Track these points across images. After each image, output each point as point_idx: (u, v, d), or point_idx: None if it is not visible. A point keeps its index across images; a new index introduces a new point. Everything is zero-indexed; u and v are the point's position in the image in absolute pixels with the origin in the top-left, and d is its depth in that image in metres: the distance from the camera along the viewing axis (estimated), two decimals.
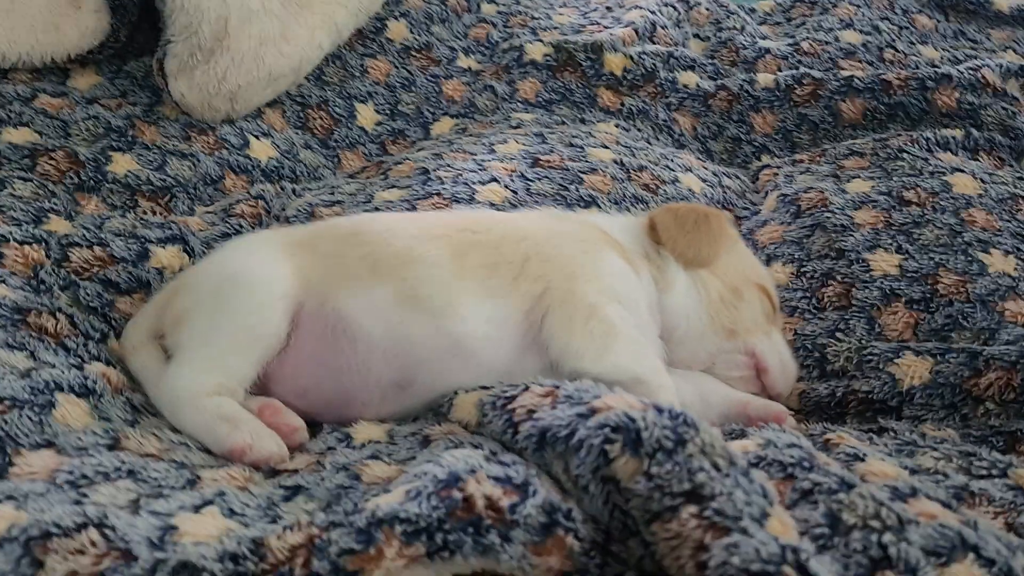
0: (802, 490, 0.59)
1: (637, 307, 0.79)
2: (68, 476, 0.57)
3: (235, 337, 0.72)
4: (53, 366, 0.68)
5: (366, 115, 1.28)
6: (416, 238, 0.78)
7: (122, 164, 1.00)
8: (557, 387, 0.65)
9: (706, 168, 1.19)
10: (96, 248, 0.86)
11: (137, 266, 0.87)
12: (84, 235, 0.87)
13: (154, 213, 0.98)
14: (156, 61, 1.06)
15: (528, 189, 1.03)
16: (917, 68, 1.32)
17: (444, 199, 0.99)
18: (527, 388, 0.67)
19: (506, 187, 1.02)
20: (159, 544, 0.52)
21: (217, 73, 1.06)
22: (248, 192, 1.05)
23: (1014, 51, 1.40)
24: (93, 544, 0.51)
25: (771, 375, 0.82)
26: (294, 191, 1.11)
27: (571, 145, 1.15)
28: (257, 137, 1.14)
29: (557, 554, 0.53)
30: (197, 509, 0.56)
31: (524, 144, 1.15)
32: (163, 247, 0.90)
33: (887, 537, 0.52)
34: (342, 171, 1.23)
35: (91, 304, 0.82)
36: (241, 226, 0.97)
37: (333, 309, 0.73)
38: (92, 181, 0.96)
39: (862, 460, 0.68)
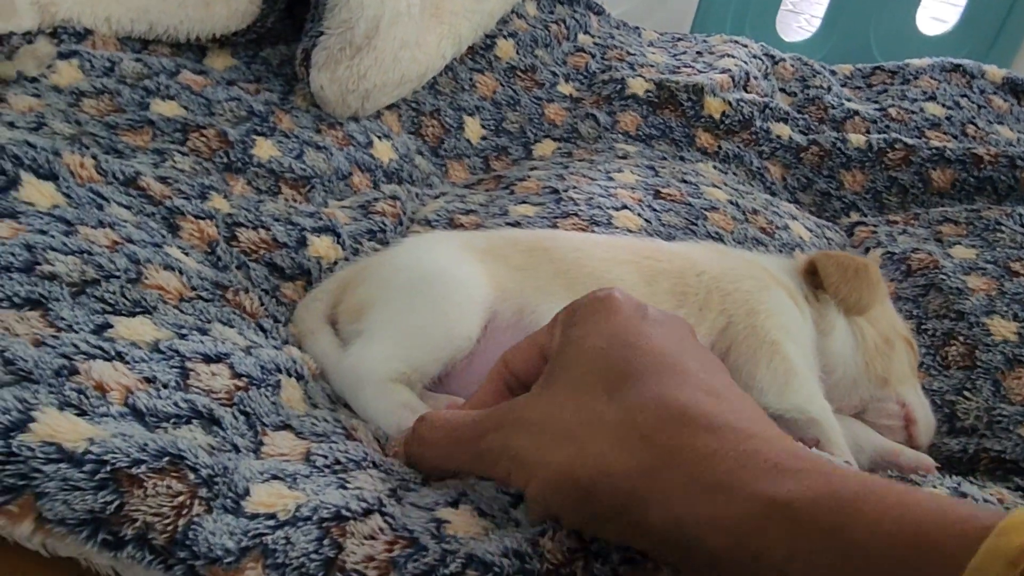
0: None
1: (804, 347, 0.81)
2: (325, 460, 0.57)
3: (428, 333, 0.72)
4: (261, 346, 0.67)
5: (473, 128, 1.29)
6: (606, 261, 0.79)
7: (265, 149, 0.98)
8: None
9: (808, 218, 1.23)
10: (261, 231, 0.85)
11: (298, 253, 0.86)
12: (246, 216, 0.86)
13: (296, 201, 0.97)
14: (302, 51, 1.05)
15: (660, 220, 1.04)
16: (1000, 145, 1.37)
17: (583, 220, 1.00)
18: None
19: (639, 215, 1.04)
20: (439, 535, 0.51)
21: (359, 71, 1.06)
22: (382, 191, 1.05)
23: None
24: (381, 530, 0.50)
25: (919, 427, 0.85)
26: (417, 195, 1.11)
27: (685, 181, 1.18)
28: (379, 138, 1.14)
29: None
30: (453, 505, 0.56)
31: (639, 175, 1.17)
32: (318, 236, 0.89)
33: None
34: (449, 180, 1.23)
35: (263, 287, 0.81)
36: (384, 224, 0.97)
37: (531, 321, 0.74)
38: (240, 163, 0.95)
39: None
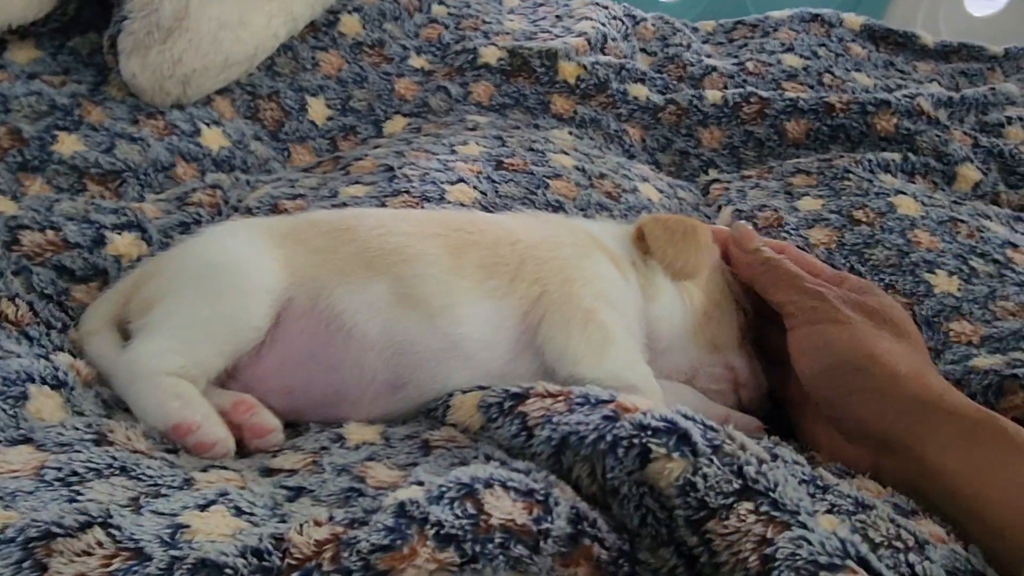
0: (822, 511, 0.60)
1: (626, 313, 0.79)
2: (57, 473, 0.53)
3: (210, 324, 0.69)
4: (19, 355, 0.63)
5: (317, 109, 1.24)
6: (411, 236, 0.75)
7: (68, 144, 0.93)
8: (566, 390, 0.64)
9: (661, 179, 1.21)
10: (48, 232, 0.80)
11: (93, 252, 0.81)
12: (34, 217, 0.81)
13: (103, 197, 0.92)
14: (108, 37, 1.00)
15: (496, 191, 1.02)
16: (856, 93, 1.37)
17: (414, 197, 0.97)
18: (532, 390, 0.66)
19: (475, 188, 1.01)
20: (171, 542, 0.48)
21: (173, 55, 1.01)
22: (203, 180, 1.00)
23: (939, 83, 1.48)
24: (100, 544, 0.46)
25: (749, 390, 0.83)
26: (248, 182, 1.06)
27: (532, 149, 1.15)
28: (208, 125, 1.09)
29: (585, 564, 0.52)
30: (203, 508, 0.52)
31: (485, 146, 1.14)
32: (119, 234, 0.84)
33: (912, 557, 0.53)
34: (292, 165, 1.19)
35: (45, 291, 0.76)
36: (200, 215, 0.93)
37: (327, 305, 0.70)
38: (37, 161, 0.90)
39: (852, 476, 0.69)
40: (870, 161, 1.20)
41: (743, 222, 0.89)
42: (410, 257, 0.74)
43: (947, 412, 0.65)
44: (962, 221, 1.07)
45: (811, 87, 1.41)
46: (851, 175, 1.16)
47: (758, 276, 0.82)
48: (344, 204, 0.97)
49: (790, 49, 1.49)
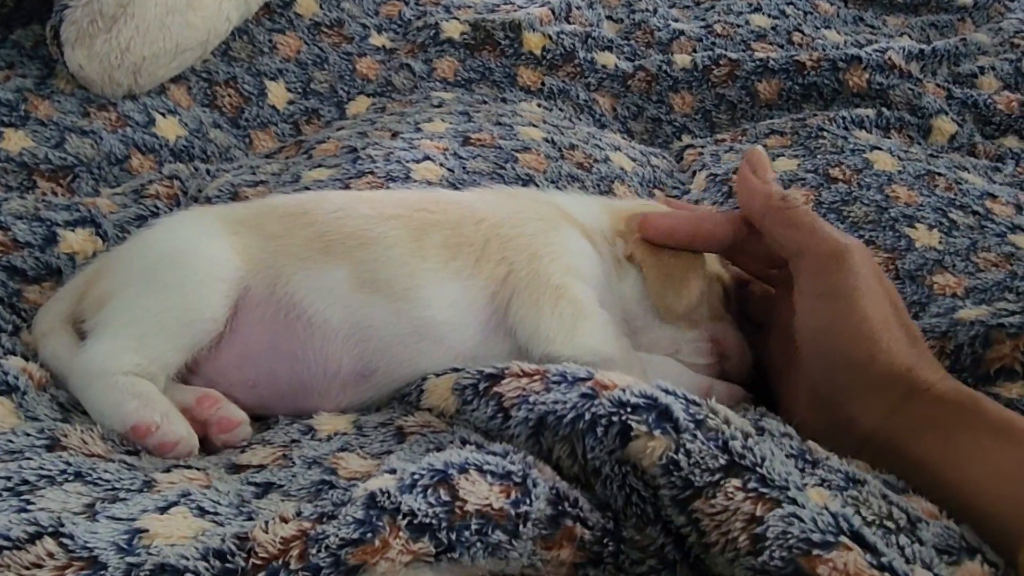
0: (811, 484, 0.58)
1: (600, 286, 0.77)
2: (6, 483, 0.50)
3: (164, 318, 0.66)
4: None
5: (277, 93, 1.21)
6: (371, 217, 0.72)
7: (15, 141, 0.90)
8: (542, 369, 0.62)
9: (633, 147, 1.19)
10: None
11: (45, 251, 0.78)
12: None
13: (55, 194, 0.89)
14: (50, 28, 0.96)
15: (464, 167, 0.99)
16: (826, 50, 1.35)
17: (378, 178, 0.94)
18: (507, 370, 0.63)
19: (441, 165, 0.98)
20: (128, 549, 0.45)
21: (120, 43, 0.97)
22: (160, 172, 0.97)
23: (909, 36, 1.46)
24: (51, 555, 0.44)
25: (733, 362, 0.81)
26: (208, 171, 1.03)
27: (499, 124, 1.12)
28: (163, 115, 1.05)
29: (568, 546, 0.51)
30: (163, 511, 0.50)
31: (451, 123, 1.11)
32: (72, 230, 0.81)
33: (903, 539, 0.51)
34: (254, 152, 1.15)
35: None
36: (157, 207, 0.89)
37: (285, 293, 0.68)
38: None
39: None
40: (844, 118, 1.18)
41: (760, 148, 0.82)
42: (370, 240, 0.71)
43: (931, 403, 0.62)
44: (940, 174, 1.06)
45: (781, 46, 1.39)
46: (826, 133, 1.14)
47: (772, 212, 0.72)
48: (307, 188, 0.93)
49: (757, 9, 1.46)
